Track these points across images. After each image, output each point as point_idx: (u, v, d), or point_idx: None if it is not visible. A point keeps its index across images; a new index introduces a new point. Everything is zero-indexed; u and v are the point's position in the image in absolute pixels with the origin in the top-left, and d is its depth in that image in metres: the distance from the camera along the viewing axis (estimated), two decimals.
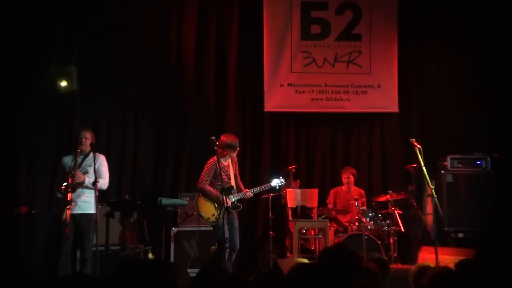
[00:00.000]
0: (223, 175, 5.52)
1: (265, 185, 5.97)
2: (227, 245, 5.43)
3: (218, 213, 5.53)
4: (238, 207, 5.67)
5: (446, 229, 6.66)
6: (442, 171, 6.90)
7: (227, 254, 5.43)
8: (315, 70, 7.46)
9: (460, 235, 6.69)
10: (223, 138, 5.71)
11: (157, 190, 7.00)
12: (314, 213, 6.58)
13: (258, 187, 5.89)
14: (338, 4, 7.48)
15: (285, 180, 6.60)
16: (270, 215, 6.48)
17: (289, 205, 6.54)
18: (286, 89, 7.43)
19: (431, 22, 7.51)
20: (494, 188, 6.63)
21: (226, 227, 5.41)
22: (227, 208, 5.37)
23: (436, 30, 7.55)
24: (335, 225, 6.72)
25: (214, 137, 5.53)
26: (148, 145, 7.14)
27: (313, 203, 6.60)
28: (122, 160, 7.00)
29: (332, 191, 7.04)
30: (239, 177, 5.87)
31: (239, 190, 5.76)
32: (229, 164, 5.73)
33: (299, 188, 6.70)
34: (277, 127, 7.52)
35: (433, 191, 5.57)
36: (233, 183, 5.68)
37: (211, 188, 5.59)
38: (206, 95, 7.32)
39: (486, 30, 7.33)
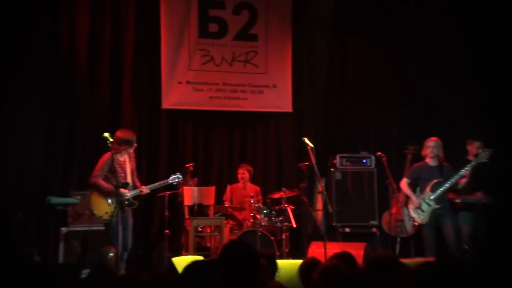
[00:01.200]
0: (119, 171, 5.44)
1: (162, 182, 5.93)
2: (119, 244, 5.35)
3: (112, 210, 5.43)
4: (133, 204, 5.57)
5: (334, 224, 7.03)
6: (332, 169, 7.27)
7: (119, 254, 5.33)
8: (213, 69, 7.52)
9: (347, 229, 7.09)
10: (119, 133, 5.59)
11: (46, 189, 6.65)
12: (211, 211, 6.63)
13: (155, 184, 5.84)
14: (235, 4, 7.59)
15: (183, 178, 6.61)
16: (166, 213, 6.45)
17: (185, 203, 6.54)
18: (184, 86, 7.41)
19: (321, 20, 7.82)
20: (376, 185, 7.13)
21: (120, 226, 5.34)
22: (121, 203, 5.28)
23: (326, 31, 7.88)
24: (231, 222, 6.82)
25: (107, 134, 5.39)
26: (36, 141, 6.77)
27: (210, 200, 6.66)
28: (6, 156, 6.56)
29: (228, 188, 7.13)
30: (135, 174, 5.78)
31: (135, 187, 5.67)
32: (126, 160, 5.63)
33: (196, 185, 6.72)
34: (175, 125, 7.49)
35: (323, 188, 5.87)
36: (129, 179, 5.59)
37: (105, 183, 5.47)
38: (100, 90, 7.09)
39: (374, 30, 7.84)
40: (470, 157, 6.38)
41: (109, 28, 7.15)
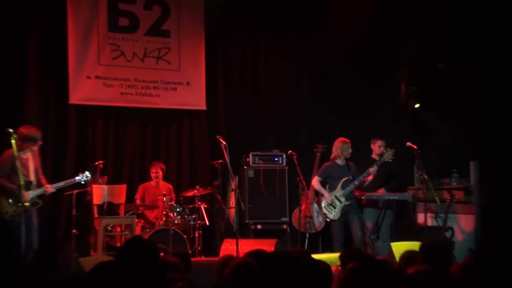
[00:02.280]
0: (22, 169, 5.22)
1: (69, 180, 5.74)
2: (23, 245, 5.11)
3: (13, 210, 5.22)
4: (37, 203, 5.40)
5: (246, 221, 7.12)
6: (245, 167, 7.35)
7: (22, 255, 5.11)
8: (124, 64, 7.32)
9: (259, 226, 7.21)
10: (22, 130, 5.37)
11: None
12: (121, 210, 6.48)
13: (61, 182, 5.67)
14: None
15: (92, 176, 6.39)
16: (74, 212, 6.21)
17: (94, 202, 6.34)
18: (94, 81, 7.17)
19: (234, 19, 7.88)
20: (287, 182, 7.31)
21: (23, 226, 5.10)
22: (23, 205, 5.09)
23: (240, 28, 7.95)
24: (142, 221, 6.71)
25: (11, 129, 5.14)
26: None
27: (121, 199, 6.51)
28: None
29: (140, 187, 7.01)
30: (40, 172, 5.57)
31: (39, 185, 5.48)
32: (29, 158, 5.42)
33: (106, 184, 6.53)
34: (84, 121, 7.23)
35: (236, 185, 5.93)
36: (32, 178, 5.39)
37: (7, 182, 5.27)
38: (2, 83, 6.67)
39: (287, 26, 8.01)
40: (374, 156, 6.74)
41: (11, 18, 6.73)
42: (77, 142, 7.14)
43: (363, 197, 6.57)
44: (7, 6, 6.71)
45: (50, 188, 5.52)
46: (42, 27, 6.93)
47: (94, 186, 6.33)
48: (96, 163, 6.48)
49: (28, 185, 5.26)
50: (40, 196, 5.42)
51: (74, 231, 6.16)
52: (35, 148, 5.46)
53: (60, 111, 7.08)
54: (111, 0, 7.25)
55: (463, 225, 6.30)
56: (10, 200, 5.26)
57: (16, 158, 5.13)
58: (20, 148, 5.27)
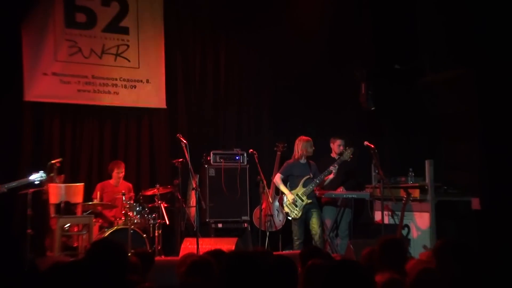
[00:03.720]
0: None
1: (22, 180, 5.61)
2: None
3: None
4: None
5: (207, 220, 7.10)
6: (206, 166, 7.33)
7: None
8: (81, 61, 7.18)
9: (220, 225, 7.20)
10: None
11: None
12: (79, 209, 6.35)
13: (13, 182, 5.54)
14: None
15: (47, 175, 6.23)
16: (29, 212, 6.03)
17: (51, 201, 6.17)
18: (50, 78, 7.00)
19: (194, 17, 7.86)
20: (248, 181, 7.33)
21: None
22: None
23: (199, 25, 7.92)
24: (100, 220, 6.60)
25: None
26: None
27: (78, 198, 6.36)
28: None
29: (98, 185, 6.88)
30: None
31: None
32: None
33: (64, 182, 6.38)
34: (40, 118, 7.05)
35: (197, 184, 5.90)
36: None
37: None
38: None
39: (247, 25, 8.02)
40: (333, 155, 6.85)
41: None
42: (33, 140, 6.95)
43: (322, 195, 6.66)
44: None
45: (2, 188, 5.42)
46: None
47: (51, 185, 6.17)
48: (53, 161, 6.31)
49: None
50: None
51: (29, 231, 6.00)
52: None
53: (14, 108, 6.87)
54: None
55: (418, 222, 6.48)
56: None
57: None
58: None
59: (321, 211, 6.64)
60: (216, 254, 3.47)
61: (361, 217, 7.07)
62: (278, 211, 6.99)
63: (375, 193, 6.80)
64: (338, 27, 7.87)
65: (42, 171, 5.75)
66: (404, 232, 6.31)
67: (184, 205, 6.94)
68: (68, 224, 6.20)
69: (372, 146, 6.37)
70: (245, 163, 7.44)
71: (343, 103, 7.87)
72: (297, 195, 6.39)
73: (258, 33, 8.10)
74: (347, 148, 6.60)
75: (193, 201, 6.92)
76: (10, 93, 6.86)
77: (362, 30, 7.82)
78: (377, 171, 6.51)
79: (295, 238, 6.47)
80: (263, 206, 6.87)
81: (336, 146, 6.84)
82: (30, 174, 5.71)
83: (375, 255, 3.35)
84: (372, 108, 7.48)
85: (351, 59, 7.80)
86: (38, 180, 5.72)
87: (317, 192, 6.56)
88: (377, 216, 6.75)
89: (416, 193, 6.42)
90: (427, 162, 6.48)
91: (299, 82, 8.04)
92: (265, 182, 6.59)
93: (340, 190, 6.73)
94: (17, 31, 6.81)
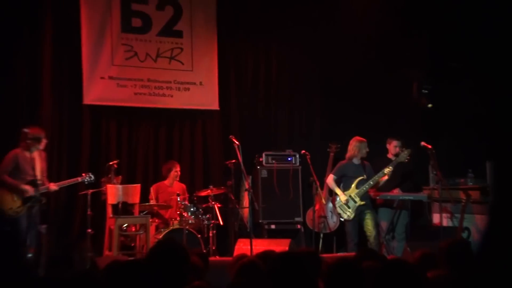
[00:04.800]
0: (27, 168, 5.50)
1: (73, 180, 5.93)
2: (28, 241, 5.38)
3: (17, 206, 5.45)
4: (40, 200, 5.59)
5: (260, 221, 7.11)
6: (258, 167, 7.34)
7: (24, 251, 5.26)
8: (137, 64, 7.35)
9: (272, 226, 7.19)
10: (27, 130, 5.65)
11: None
12: (136, 209, 6.50)
13: (64, 182, 5.80)
14: None
15: (106, 176, 6.43)
16: (89, 212, 6.25)
17: (109, 202, 6.35)
18: (107, 82, 7.20)
19: (247, 19, 7.91)
20: (301, 182, 7.28)
21: (24, 223, 5.42)
22: (25, 200, 5.39)
23: (251, 27, 7.95)
24: (156, 220, 6.72)
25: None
26: None
27: (135, 198, 6.52)
28: None
29: (154, 186, 7.01)
30: (45, 174, 5.70)
31: (43, 185, 5.66)
32: (36, 157, 5.62)
33: (121, 183, 6.55)
34: (98, 121, 7.26)
35: (250, 185, 5.92)
36: (38, 177, 5.58)
37: (10, 179, 5.50)
38: (16, 84, 6.73)
39: (297, 26, 7.99)
40: (389, 156, 6.70)
41: (25, 18, 6.79)
42: (91, 142, 7.17)
43: (378, 197, 6.53)
44: (22, 7, 6.77)
45: (53, 187, 5.67)
46: (56, 28, 6.96)
47: (109, 186, 6.36)
48: (111, 163, 6.51)
49: (34, 183, 5.51)
50: (43, 194, 5.62)
51: (89, 230, 6.20)
52: (40, 147, 5.61)
53: (74, 111, 7.12)
54: (124, 1, 7.28)
55: (479, 225, 6.24)
56: (15, 196, 5.44)
57: (21, 157, 5.45)
58: (26, 148, 5.54)
59: (376, 213, 6.51)
60: (266, 255, 3.49)
61: (419, 219, 6.88)
62: (331, 213, 6.91)
63: (433, 194, 6.60)
64: (389, 28, 7.70)
65: (90, 173, 6.01)
66: (464, 235, 6.10)
67: (237, 206, 6.98)
68: (126, 224, 6.35)
69: (429, 147, 6.19)
70: (298, 164, 7.40)
71: (398, 104, 7.70)
72: (349, 196, 6.30)
73: (310, 35, 8.07)
74: (404, 149, 6.44)
75: (246, 202, 6.95)
76: (70, 97, 7.11)
77: (415, 30, 7.63)
78: (435, 172, 6.32)
79: (349, 239, 6.37)
80: (316, 207, 6.81)
81: (392, 147, 6.70)
82: (80, 175, 5.98)
83: (438, 259, 3.23)
84: (429, 106, 7.28)
85: (404, 59, 7.62)
86: (87, 181, 5.96)
87: (372, 194, 6.43)
88: (435, 218, 6.56)
89: (476, 195, 6.19)
90: (488, 164, 6.24)
91: (352, 83, 7.93)
92: (318, 183, 6.53)
93: (396, 192, 6.57)
94: (78, 38, 7.04)
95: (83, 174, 5.95)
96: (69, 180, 5.91)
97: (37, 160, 5.60)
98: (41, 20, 6.90)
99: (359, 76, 7.83)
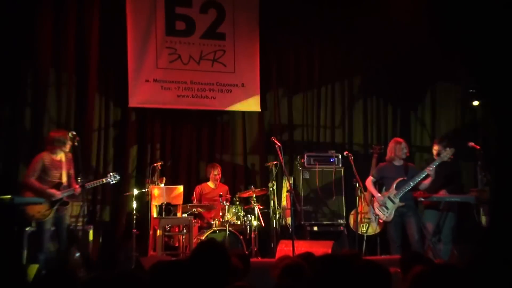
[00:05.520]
0: (54, 171, 5.62)
1: (99, 180, 6.05)
2: (45, 246, 5.54)
3: (45, 210, 5.56)
4: (66, 203, 5.69)
5: (302, 223, 7.07)
6: (300, 168, 7.30)
7: (47, 255, 5.54)
8: (180, 67, 7.46)
9: (315, 228, 7.14)
10: (52, 133, 5.80)
11: (9, 188, 6.47)
12: (179, 210, 6.58)
13: (90, 182, 5.90)
14: (202, 2, 7.55)
15: (150, 177, 6.55)
16: (134, 213, 6.38)
17: (153, 202, 6.46)
18: (152, 84, 7.33)
19: (289, 20, 7.88)
20: (344, 183, 7.20)
21: (49, 227, 5.56)
22: (52, 203, 5.51)
23: (293, 29, 7.93)
24: (199, 221, 6.79)
25: (74, 133, 5.40)
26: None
27: (178, 200, 6.60)
28: None
29: (197, 188, 7.09)
30: (73, 176, 5.80)
31: (70, 187, 5.76)
32: (62, 160, 5.73)
33: (165, 185, 6.66)
34: (142, 123, 7.40)
35: (291, 187, 5.90)
36: (64, 179, 5.69)
37: (36, 183, 5.59)
38: (66, 89, 6.95)
39: (340, 27, 7.91)
40: (435, 157, 6.54)
41: (73, 23, 6.99)
42: (136, 144, 7.32)
43: (423, 199, 6.38)
44: (70, 11, 6.98)
45: (79, 189, 5.73)
46: (103, 32, 7.13)
47: (153, 187, 6.47)
48: (155, 164, 6.63)
49: (58, 186, 5.61)
50: (70, 197, 5.72)
51: (135, 230, 6.33)
52: (66, 149, 5.70)
53: (120, 114, 7.28)
54: (168, 4, 7.40)
55: None
56: (42, 200, 5.54)
57: (47, 160, 5.56)
58: (52, 151, 5.65)
59: (421, 215, 6.37)
60: (308, 257, 3.47)
61: (466, 221, 6.68)
62: (375, 215, 6.80)
63: (481, 196, 6.39)
64: (434, 25, 7.51)
65: (116, 173, 6.10)
66: None
67: (279, 208, 6.96)
68: (170, 225, 6.45)
69: (478, 147, 6.01)
70: (340, 165, 7.32)
71: (443, 104, 7.51)
72: (388, 197, 6.20)
73: (352, 33, 7.97)
74: (447, 148, 6.28)
75: (287, 203, 6.93)
76: (116, 100, 7.27)
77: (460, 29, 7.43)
78: (483, 173, 6.12)
79: (392, 242, 6.26)
80: (360, 209, 6.72)
81: (435, 147, 6.54)
82: (105, 175, 6.10)
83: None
84: (476, 104, 7.08)
85: (451, 57, 7.43)
86: (113, 180, 6.03)
87: (417, 195, 6.30)
88: (485, 221, 6.34)
89: None
90: None
91: (394, 83, 7.79)
92: (361, 185, 6.45)
93: (443, 194, 6.41)
94: (123, 42, 7.20)
95: (109, 174, 6.03)
96: (94, 181, 6.00)
97: (63, 163, 5.70)
98: (88, 23, 7.08)
99: (402, 76, 7.69)
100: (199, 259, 2.80)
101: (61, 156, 5.71)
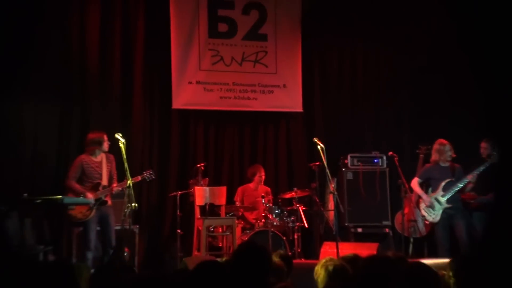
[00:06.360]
0: (94, 172, 5.76)
1: (134, 178, 6.04)
2: (92, 244, 5.67)
3: (86, 209, 5.70)
4: (105, 202, 5.81)
5: (346, 224, 6.99)
6: (343, 169, 7.23)
7: (94, 254, 5.68)
8: (223, 69, 7.50)
9: (359, 230, 7.05)
10: (89, 135, 5.92)
11: (59, 189, 6.68)
12: (222, 211, 6.63)
13: (127, 181, 5.95)
14: (244, 3, 7.58)
15: (194, 178, 6.62)
16: (178, 213, 6.46)
17: (197, 203, 6.53)
18: (195, 86, 7.41)
19: (332, 19, 7.83)
20: (388, 185, 7.08)
21: (93, 225, 5.69)
22: (93, 204, 5.67)
23: (336, 29, 7.87)
24: (242, 222, 6.81)
25: (119, 134, 5.50)
26: (49, 142, 6.81)
27: (221, 200, 6.65)
28: (20, 156, 6.62)
29: (240, 189, 7.11)
30: (115, 177, 5.91)
31: (107, 187, 5.86)
32: (103, 161, 5.85)
33: (208, 185, 6.72)
34: (186, 125, 7.48)
35: (335, 188, 5.85)
36: (104, 180, 5.81)
37: (76, 185, 5.75)
38: (111, 91, 7.11)
39: (384, 29, 7.79)
40: (486, 158, 6.34)
41: (119, 27, 7.15)
42: (180, 145, 7.40)
43: (472, 201, 6.21)
44: (116, 16, 7.15)
45: (116, 188, 5.84)
46: (147, 35, 7.26)
47: (196, 187, 6.53)
48: (198, 165, 6.70)
49: (97, 186, 5.76)
50: (116, 195, 5.87)
51: (179, 231, 6.41)
52: (104, 149, 5.82)
53: (164, 116, 7.38)
54: (211, 7, 7.46)
55: None
56: (89, 201, 5.68)
57: (86, 161, 5.74)
58: (91, 153, 5.80)
59: (470, 217, 6.19)
60: (352, 259, 3.42)
61: None
62: (420, 215, 6.65)
63: None
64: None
65: (151, 171, 6.08)
66: None
67: (322, 209, 6.91)
68: (213, 225, 6.49)
69: None
70: (385, 166, 7.21)
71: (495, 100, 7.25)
72: (435, 198, 6.06)
73: (395, 31, 7.84)
74: (495, 150, 6.07)
75: (331, 204, 6.87)
76: (160, 101, 7.38)
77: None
78: None
79: (439, 244, 6.11)
80: (406, 211, 6.59)
81: (483, 148, 6.34)
82: (140, 173, 6.11)
83: None
84: None
85: None
86: (148, 178, 6.05)
87: (466, 197, 6.13)
88: None
89: None
90: None
91: (443, 80, 7.60)
92: (406, 186, 6.32)
93: (492, 196, 6.20)
94: (167, 45, 7.30)
95: (144, 172, 6.09)
96: (133, 179, 5.94)
97: (103, 164, 5.83)
98: (133, 26, 7.22)
99: (449, 73, 7.49)
100: (239, 260, 2.81)
101: (101, 157, 5.84)
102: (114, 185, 5.82)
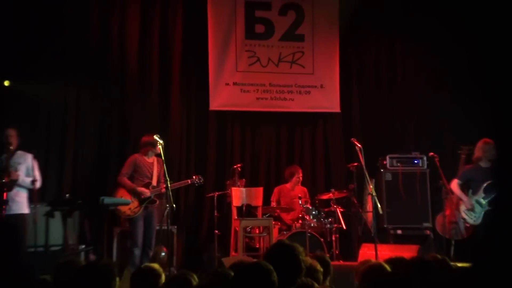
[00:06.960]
0: (145, 172, 5.96)
1: (183, 181, 6.26)
2: (139, 241, 5.78)
3: (135, 207, 5.84)
4: (153, 201, 5.96)
5: (385, 226, 6.88)
6: (382, 170, 7.12)
7: (141, 251, 5.78)
8: (259, 70, 7.51)
9: (399, 232, 6.93)
10: (144, 138, 6.11)
11: (100, 189, 6.84)
12: (259, 212, 6.63)
13: (175, 184, 6.07)
14: (281, 4, 7.57)
15: (231, 179, 6.64)
16: (216, 214, 6.50)
17: (234, 204, 6.56)
18: (231, 88, 7.45)
19: (369, 21, 7.74)
20: (429, 186, 6.93)
21: (140, 223, 5.82)
22: (141, 200, 5.83)
23: (373, 29, 7.78)
24: (279, 223, 6.79)
25: (158, 135, 5.59)
26: (90, 143, 6.98)
27: (258, 201, 6.65)
28: (62, 157, 6.80)
29: (276, 189, 7.09)
30: (163, 178, 5.95)
31: (157, 187, 6.00)
32: (154, 162, 6.05)
33: (244, 186, 6.73)
34: (223, 126, 7.52)
35: (373, 189, 5.76)
36: (154, 180, 5.98)
37: (128, 182, 5.92)
38: (150, 93, 7.22)
39: (423, 26, 7.64)
40: None
41: (157, 29, 7.27)
42: (217, 146, 7.45)
43: None
44: (155, 17, 7.26)
45: (164, 189, 5.88)
46: (185, 37, 7.33)
47: (233, 188, 6.55)
48: (235, 166, 6.72)
49: (147, 186, 5.93)
50: (158, 196, 5.99)
51: (216, 231, 6.44)
52: (157, 151, 5.90)
53: (201, 117, 7.45)
54: (248, 8, 7.48)
55: None
56: (129, 201, 5.84)
57: (140, 161, 5.94)
58: (144, 154, 6.02)
59: None
60: (396, 261, 3.35)
61: None
62: (462, 219, 6.49)
63: None
64: None
65: (200, 176, 6.22)
66: None
67: (360, 210, 6.82)
68: (250, 226, 6.50)
69: None
70: (425, 167, 7.06)
71: None
72: (476, 200, 5.90)
73: (435, 31, 7.65)
74: None
75: (369, 206, 6.77)
76: (197, 103, 7.44)
77: None
78: None
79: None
80: (447, 212, 6.43)
81: None
82: (190, 177, 6.27)
83: None
84: None
85: None
86: (197, 183, 6.21)
87: None
88: None
89: None
90: None
91: (483, 79, 7.36)
92: (448, 187, 6.17)
93: None
94: (204, 47, 7.36)
95: (194, 177, 6.21)
96: (180, 182, 6.20)
97: (155, 165, 6.03)
98: (171, 28, 7.32)
99: (490, 72, 7.25)
100: (271, 260, 2.81)
101: (153, 159, 6.07)
102: (163, 186, 5.93)
